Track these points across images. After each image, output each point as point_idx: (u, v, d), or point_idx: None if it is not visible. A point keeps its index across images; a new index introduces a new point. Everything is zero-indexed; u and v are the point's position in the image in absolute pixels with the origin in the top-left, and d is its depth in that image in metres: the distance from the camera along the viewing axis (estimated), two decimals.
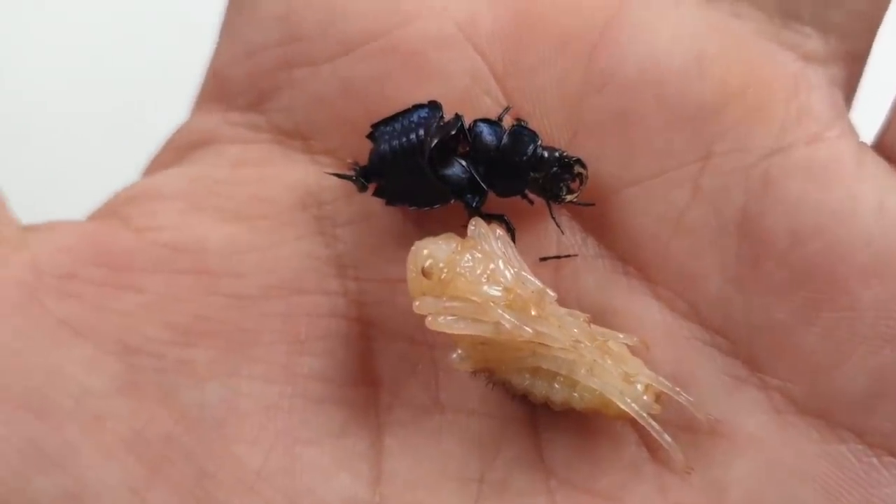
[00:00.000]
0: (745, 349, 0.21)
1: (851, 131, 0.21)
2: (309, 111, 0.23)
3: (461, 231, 0.21)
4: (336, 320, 0.22)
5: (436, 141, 0.21)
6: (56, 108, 0.42)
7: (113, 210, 0.23)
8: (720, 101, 0.21)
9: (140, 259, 0.21)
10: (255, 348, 0.21)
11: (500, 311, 0.20)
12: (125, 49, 0.41)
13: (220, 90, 0.24)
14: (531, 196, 0.22)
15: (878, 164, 0.21)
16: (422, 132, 0.21)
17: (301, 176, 0.23)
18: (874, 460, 0.20)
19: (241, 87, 0.23)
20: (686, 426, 0.21)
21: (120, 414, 0.20)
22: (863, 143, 0.21)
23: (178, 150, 0.24)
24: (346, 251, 0.22)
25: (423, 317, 0.21)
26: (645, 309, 0.21)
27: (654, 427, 0.20)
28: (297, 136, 0.23)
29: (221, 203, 0.22)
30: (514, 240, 0.21)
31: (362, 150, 0.22)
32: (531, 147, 0.21)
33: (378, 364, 0.22)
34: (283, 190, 0.22)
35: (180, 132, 0.24)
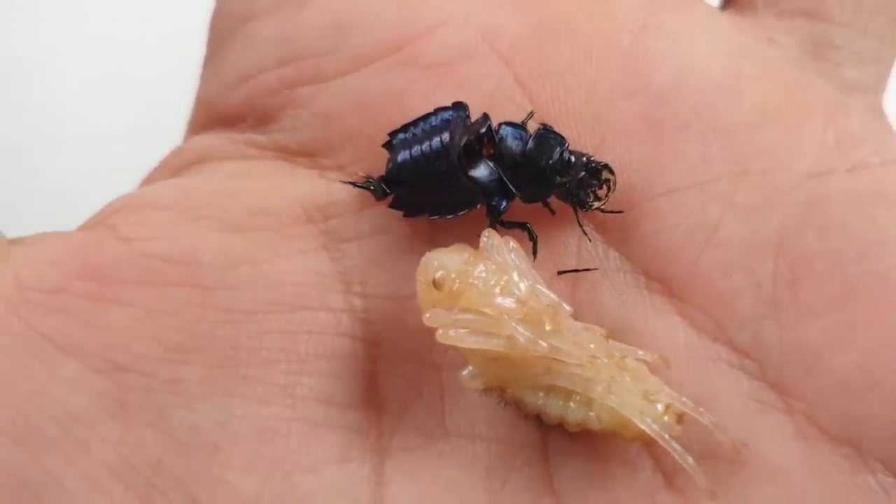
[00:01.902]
0: (774, 372, 0.20)
1: None
2: (316, 129, 0.22)
3: (474, 245, 0.20)
4: (339, 339, 0.21)
5: (465, 140, 0.20)
6: (81, 117, 0.42)
7: (101, 220, 0.22)
8: (757, 120, 0.20)
9: (128, 271, 0.20)
10: (252, 367, 0.20)
11: (514, 325, 0.19)
12: (146, 61, 0.42)
13: (212, 119, 0.23)
14: (553, 206, 0.21)
15: None
16: (445, 135, 0.21)
17: (307, 190, 0.22)
18: None
19: (237, 113, 0.23)
20: (705, 453, 0.19)
21: (107, 439, 0.19)
22: None
23: (173, 168, 0.23)
24: (353, 267, 0.21)
25: (431, 336, 0.20)
26: (668, 327, 0.20)
27: (676, 449, 0.19)
28: (303, 154, 0.22)
29: (216, 213, 0.21)
30: (535, 249, 0.21)
31: (375, 167, 0.22)
32: (558, 151, 0.20)
33: (382, 386, 0.21)
34: (286, 203, 0.22)
35: (175, 153, 0.24)
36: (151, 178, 0.24)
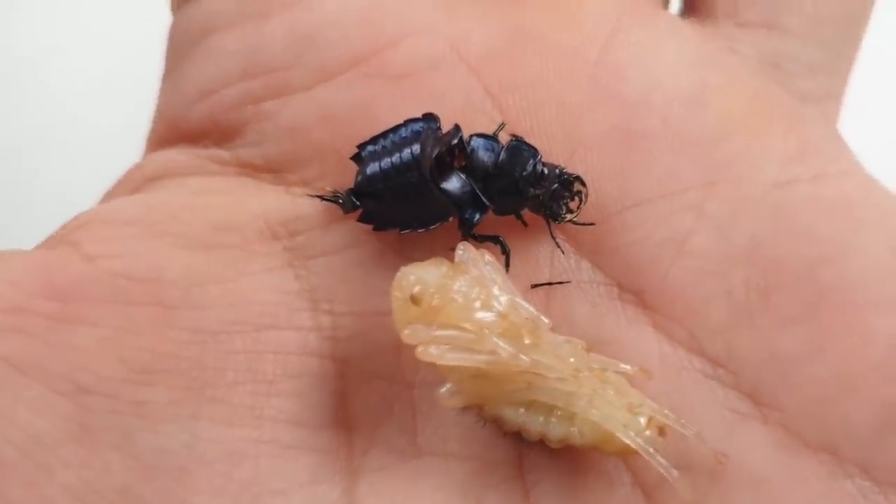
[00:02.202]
0: (749, 381, 0.20)
1: (855, 166, 0.21)
2: (282, 143, 0.22)
3: (447, 257, 0.20)
4: (307, 358, 0.20)
5: (437, 151, 0.20)
6: (80, 117, 0.42)
7: (64, 237, 0.21)
8: (723, 130, 0.21)
9: (92, 289, 0.20)
10: (218, 389, 0.19)
11: (496, 340, 0.18)
12: (145, 61, 0.41)
13: (174, 134, 0.23)
14: (525, 218, 0.21)
15: (887, 199, 0.21)
16: (416, 147, 0.20)
17: (272, 205, 0.21)
18: (880, 498, 0.19)
19: (199, 129, 0.22)
20: (683, 464, 0.19)
21: (70, 463, 0.18)
22: (869, 177, 0.21)
23: (134, 184, 0.23)
24: (320, 284, 0.21)
25: (401, 353, 0.20)
26: (641, 338, 0.20)
27: (661, 463, 0.19)
28: (268, 170, 0.22)
29: (181, 230, 0.21)
30: (508, 263, 0.20)
31: (343, 182, 0.21)
32: (531, 163, 0.20)
33: (352, 405, 0.20)
34: (252, 219, 0.21)
35: (135, 168, 0.23)
36: (112, 194, 0.23)
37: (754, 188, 0.20)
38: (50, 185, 0.40)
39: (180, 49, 0.23)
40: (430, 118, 0.20)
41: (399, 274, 0.19)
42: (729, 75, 0.21)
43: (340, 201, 0.21)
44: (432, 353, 0.18)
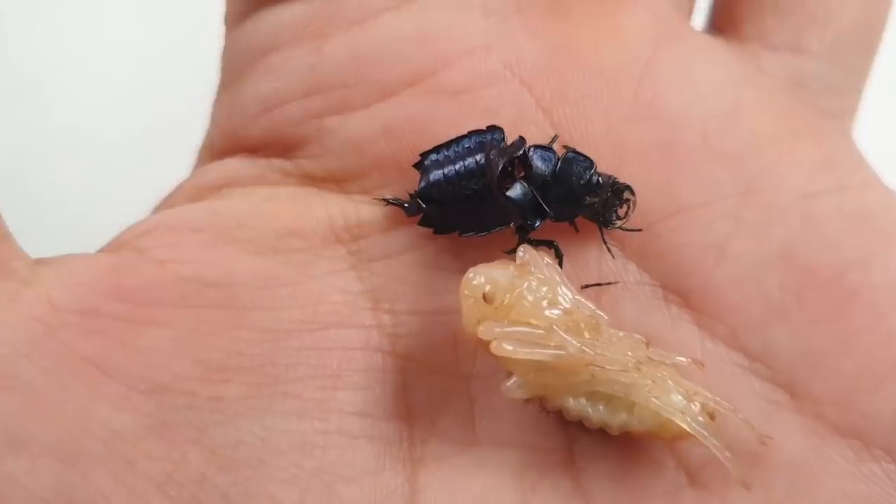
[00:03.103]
0: (784, 374, 0.21)
1: (873, 177, 0.23)
2: (343, 156, 0.23)
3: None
4: (370, 353, 0.21)
5: (503, 161, 0.21)
6: (95, 128, 0.42)
7: (126, 243, 0.22)
8: (756, 143, 0.22)
9: (164, 293, 0.21)
10: (289, 384, 0.21)
11: (564, 335, 0.20)
12: (158, 72, 0.41)
13: (235, 147, 0.24)
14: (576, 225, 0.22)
15: None
16: (480, 157, 0.22)
17: (336, 212, 0.22)
18: None
19: (261, 141, 0.23)
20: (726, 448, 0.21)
21: (151, 456, 0.19)
22: (887, 188, 0.23)
23: (195, 191, 0.24)
24: (381, 285, 0.22)
25: (458, 348, 0.21)
26: (686, 335, 0.22)
27: (715, 444, 0.20)
28: (330, 181, 0.23)
29: (249, 236, 0.22)
30: (561, 265, 0.22)
31: (402, 192, 0.22)
32: (589, 172, 0.22)
33: (413, 398, 0.22)
34: (316, 224, 0.22)
35: (194, 176, 0.24)
36: (172, 201, 0.24)
37: (785, 198, 0.22)
38: (66, 197, 0.40)
39: (239, 64, 0.24)
40: (494, 130, 0.22)
41: (469, 275, 0.20)
42: (759, 93, 0.23)
43: (405, 205, 0.22)
44: (506, 348, 0.20)
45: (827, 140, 0.23)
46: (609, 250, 0.22)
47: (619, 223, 0.22)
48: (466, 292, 0.20)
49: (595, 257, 0.22)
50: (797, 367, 0.21)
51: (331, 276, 0.22)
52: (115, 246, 0.22)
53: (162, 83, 0.40)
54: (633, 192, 0.22)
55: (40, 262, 0.21)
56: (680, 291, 0.22)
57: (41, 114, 0.43)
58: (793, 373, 0.21)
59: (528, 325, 0.20)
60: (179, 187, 0.24)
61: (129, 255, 0.21)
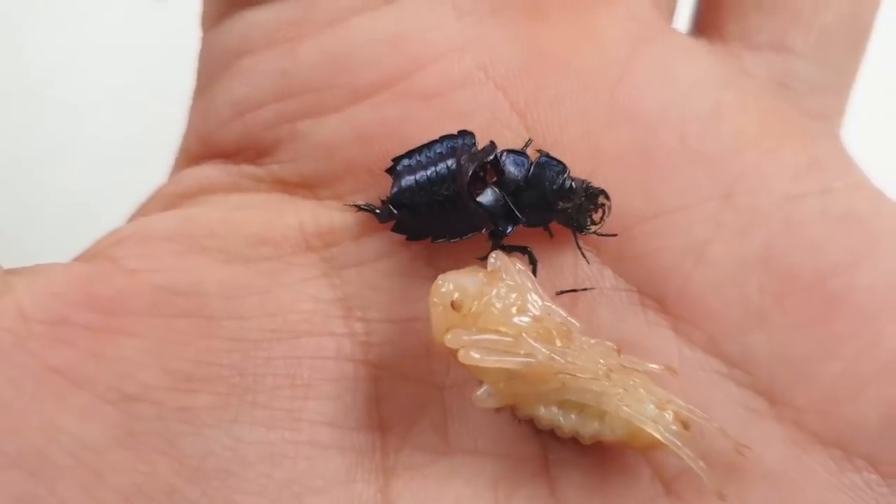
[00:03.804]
0: (764, 381, 0.21)
1: (862, 180, 0.23)
2: (315, 161, 0.23)
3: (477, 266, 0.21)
4: (342, 363, 0.21)
5: (473, 167, 0.21)
6: (93, 130, 0.43)
7: (100, 252, 0.22)
8: (738, 145, 0.22)
9: (135, 302, 0.20)
10: (259, 393, 0.20)
11: (533, 343, 0.20)
12: (155, 73, 0.42)
13: (208, 151, 0.24)
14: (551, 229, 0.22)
15: (894, 212, 0.22)
16: (451, 162, 0.21)
17: (307, 219, 0.22)
18: (885, 489, 0.20)
19: (234, 146, 0.23)
20: (702, 458, 0.20)
21: (120, 467, 0.19)
22: (877, 191, 0.22)
23: (168, 199, 0.23)
24: (353, 293, 0.22)
25: (431, 357, 0.21)
26: (663, 341, 0.21)
27: (689, 454, 0.20)
28: (302, 186, 0.23)
29: (220, 244, 0.22)
30: (535, 272, 0.22)
31: (374, 198, 0.22)
32: (561, 177, 0.21)
33: (386, 407, 0.21)
34: (287, 231, 0.22)
35: (168, 184, 0.24)
36: (145, 210, 0.23)
37: (767, 201, 0.22)
38: (65, 198, 0.40)
39: (213, 68, 0.24)
40: (465, 134, 0.22)
41: (437, 282, 0.20)
42: (741, 94, 0.23)
43: (377, 212, 0.22)
44: (474, 356, 0.19)
45: (812, 141, 0.23)
46: (584, 256, 0.22)
47: (593, 228, 0.22)
48: (436, 300, 0.20)
49: (570, 263, 0.22)
50: (777, 373, 0.21)
51: (302, 283, 0.22)
52: (88, 255, 0.22)
53: (160, 84, 0.40)
54: (607, 197, 0.22)
55: (12, 272, 0.21)
56: (657, 297, 0.22)
57: (39, 116, 0.43)
58: (773, 380, 0.21)
59: (497, 332, 0.20)
60: (154, 195, 0.24)
61: (102, 265, 0.21)
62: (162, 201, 0.23)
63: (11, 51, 0.44)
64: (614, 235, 0.22)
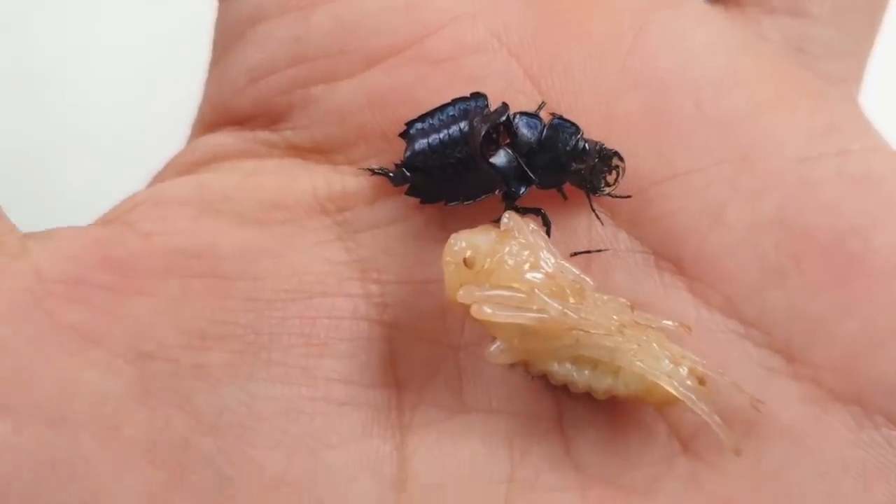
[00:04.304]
0: (781, 340, 0.21)
1: (880, 143, 0.22)
2: (329, 126, 0.23)
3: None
4: (357, 322, 0.21)
5: (486, 128, 0.21)
6: (101, 121, 0.43)
7: (115, 217, 0.22)
8: (753, 109, 0.22)
9: (149, 264, 0.21)
10: (274, 351, 0.21)
11: (545, 298, 0.20)
12: (164, 65, 0.42)
13: (223, 118, 0.24)
14: (565, 191, 0.22)
15: None
16: (464, 124, 0.21)
17: (321, 183, 0.22)
18: None
19: (249, 113, 0.23)
20: (720, 416, 0.20)
21: (136, 421, 0.19)
22: (895, 153, 0.22)
23: (184, 166, 0.24)
24: (368, 256, 0.22)
25: (446, 318, 0.21)
26: (679, 303, 0.21)
27: (703, 409, 0.20)
28: (316, 151, 0.23)
29: (234, 208, 0.22)
30: (549, 234, 0.22)
31: (388, 162, 0.22)
32: (575, 138, 0.21)
33: (401, 366, 0.21)
34: (301, 196, 0.22)
35: (185, 151, 0.24)
36: (162, 177, 0.24)
37: (783, 163, 0.21)
38: (75, 188, 0.41)
39: (228, 37, 0.24)
40: (478, 97, 0.22)
41: (450, 240, 0.20)
42: (757, 58, 0.23)
43: (391, 175, 0.22)
44: (486, 311, 0.20)
45: (829, 105, 0.22)
46: (598, 217, 0.22)
47: (607, 190, 0.22)
48: (448, 258, 0.20)
49: (585, 226, 0.22)
50: (794, 332, 0.21)
51: (316, 246, 0.22)
52: (104, 221, 0.22)
53: (171, 73, 0.41)
54: (621, 159, 0.22)
55: (28, 236, 0.21)
56: (673, 259, 0.21)
57: (49, 106, 0.43)
58: (790, 339, 0.21)
59: (510, 288, 0.20)
60: (170, 163, 0.24)
61: (117, 228, 0.22)
62: (177, 169, 0.24)
63: (19, 40, 0.44)
64: (628, 197, 0.22)
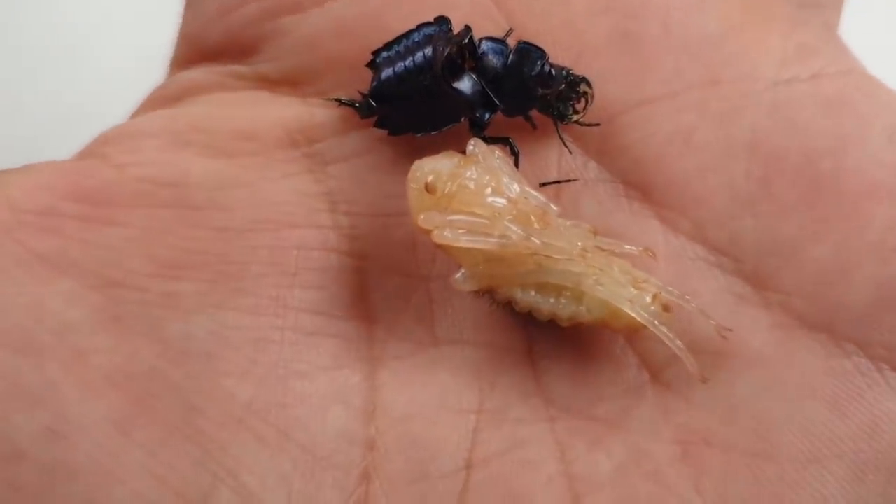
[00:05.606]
0: (751, 267, 0.21)
1: (855, 66, 0.22)
2: (298, 57, 0.23)
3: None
4: (328, 253, 0.21)
5: (448, 50, 0.21)
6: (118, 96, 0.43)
7: (89, 151, 0.22)
8: (722, 32, 0.22)
9: (121, 194, 0.21)
10: (243, 281, 0.20)
11: (507, 223, 0.19)
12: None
13: (195, 53, 0.24)
14: (535, 121, 0.22)
15: (887, 94, 0.21)
16: (428, 50, 0.21)
17: (291, 115, 0.22)
18: (877, 375, 0.20)
19: (220, 46, 0.23)
20: (689, 346, 0.20)
21: (102, 348, 0.19)
22: (869, 76, 0.22)
23: (157, 103, 0.24)
24: (338, 188, 0.22)
25: (417, 249, 0.21)
26: (647, 230, 0.21)
27: (666, 334, 0.19)
28: (285, 83, 0.23)
29: (205, 139, 0.22)
30: (517, 163, 0.21)
31: (357, 92, 0.22)
32: (539, 63, 0.21)
33: (372, 298, 0.21)
34: (272, 128, 0.22)
35: (159, 88, 0.24)
36: (137, 113, 0.24)
37: (754, 86, 0.21)
38: None
39: None
40: (441, 21, 0.21)
41: (413, 166, 0.20)
42: None
43: (357, 106, 0.22)
44: (447, 235, 0.19)
45: (802, 28, 0.22)
46: (566, 146, 0.21)
47: (576, 117, 0.21)
48: (412, 184, 0.20)
49: (554, 156, 0.22)
50: (764, 258, 0.20)
51: (287, 178, 0.22)
52: (79, 155, 0.22)
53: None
54: (589, 85, 0.21)
55: (6, 171, 0.21)
56: (642, 187, 0.21)
57: (74, 77, 0.44)
58: (760, 265, 0.20)
59: (472, 214, 0.20)
60: (146, 99, 0.24)
61: (91, 161, 0.22)
62: (152, 104, 0.24)
63: (46, 12, 0.45)
64: (597, 125, 0.21)
